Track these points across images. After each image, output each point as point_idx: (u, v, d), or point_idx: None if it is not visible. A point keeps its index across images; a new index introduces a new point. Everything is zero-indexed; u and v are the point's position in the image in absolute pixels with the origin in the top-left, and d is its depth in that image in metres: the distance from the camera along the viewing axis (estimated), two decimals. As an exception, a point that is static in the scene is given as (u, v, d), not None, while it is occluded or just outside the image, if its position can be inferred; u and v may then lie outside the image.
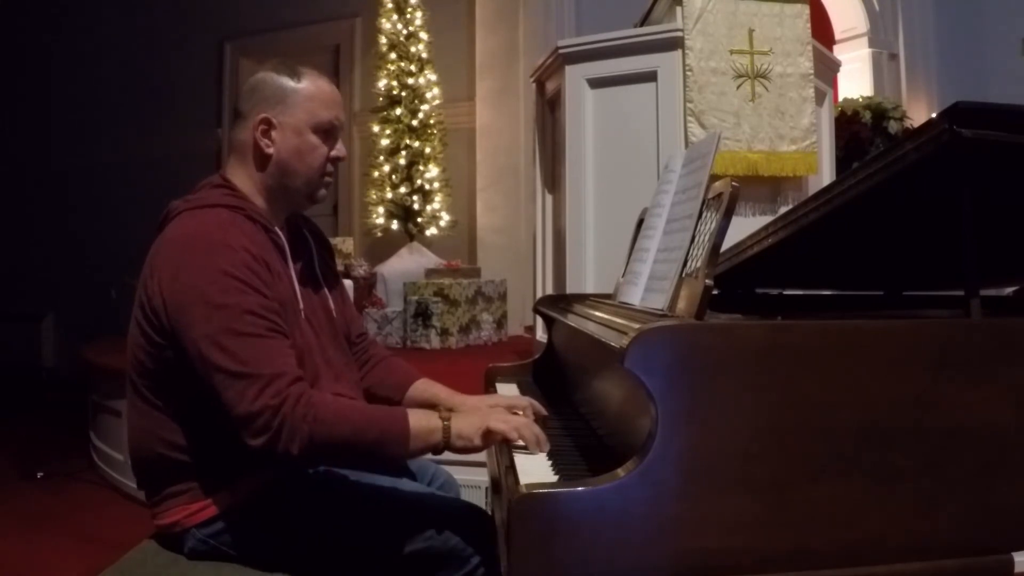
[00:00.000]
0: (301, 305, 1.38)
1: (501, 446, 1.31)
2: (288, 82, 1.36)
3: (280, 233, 1.39)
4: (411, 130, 5.37)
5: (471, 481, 2.38)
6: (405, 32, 5.47)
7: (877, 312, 1.62)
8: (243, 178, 1.38)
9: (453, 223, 5.49)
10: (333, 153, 1.40)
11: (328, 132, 1.39)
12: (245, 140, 1.37)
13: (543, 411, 1.45)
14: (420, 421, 1.25)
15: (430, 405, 1.52)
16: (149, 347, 1.26)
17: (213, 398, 1.19)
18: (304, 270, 1.45)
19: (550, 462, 1.23)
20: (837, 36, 6.16)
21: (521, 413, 1.39)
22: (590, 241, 2.89)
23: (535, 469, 1.18)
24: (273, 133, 1.36)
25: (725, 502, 0.98)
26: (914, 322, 1.13)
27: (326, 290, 1.51)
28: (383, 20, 5.52)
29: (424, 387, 1.60)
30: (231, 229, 1.27)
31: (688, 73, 2.72)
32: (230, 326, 1.19)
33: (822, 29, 5.37)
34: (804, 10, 2.85)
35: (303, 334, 1.36)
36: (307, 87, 1.37)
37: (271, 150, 1.36)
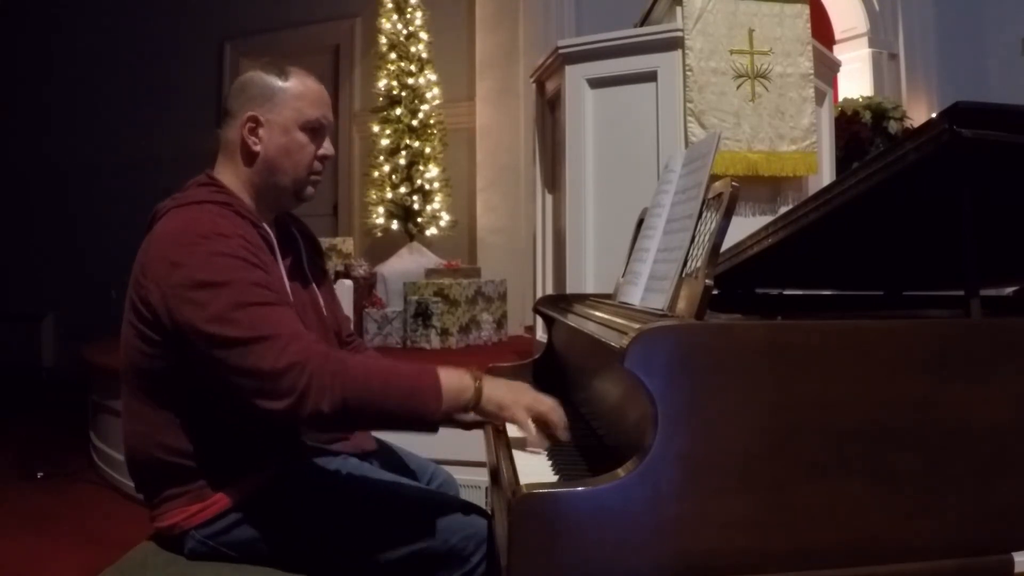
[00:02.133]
0: (291, 299, 1.38)
1: (500, 441, 1.31)
2: (276, 81, 1.37)
3: (268, 229, 1.39)
4: (411, 130, 5.37)
5: (471, 481, 2.38)
6: (405, 32, 5.47)
7: (877, 312, 1.62)
8: (230, 176, 1.39)
9: (453, 223, 5.49)
10: (320, 151, 1.40)
11: (315, 130, 1.39)
12: (233, 138, 1.38)
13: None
14: (452, 378, 1.23)
15: None
16: (145, 346, 1.26)
17: (229, 379, 1.17)
18: (293, 266, 1.45)
19: (550, 462, 1.23)
20: (837, 36, 6.16)
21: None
22: (590, 241, 2.89)
23: (535, 469, 1.18)
24: (261, 131, 1.36)
25: (725, 502, 0.98)
26: (914, 322, 1.13)
27: (315, 288, 1.51)
28: (383, 20, 5.52)
29: None
30: (221, 220, 1.28)
31: (688, 73, 2.72)
32: (237, 300, 1.18)
33: (822, 29, 5.37)
34: (804, 10, 2.85)
35: None
36: (294, 86, 1.38)
37: (258, 148, 1.37)
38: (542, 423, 1.26)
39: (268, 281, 1.24)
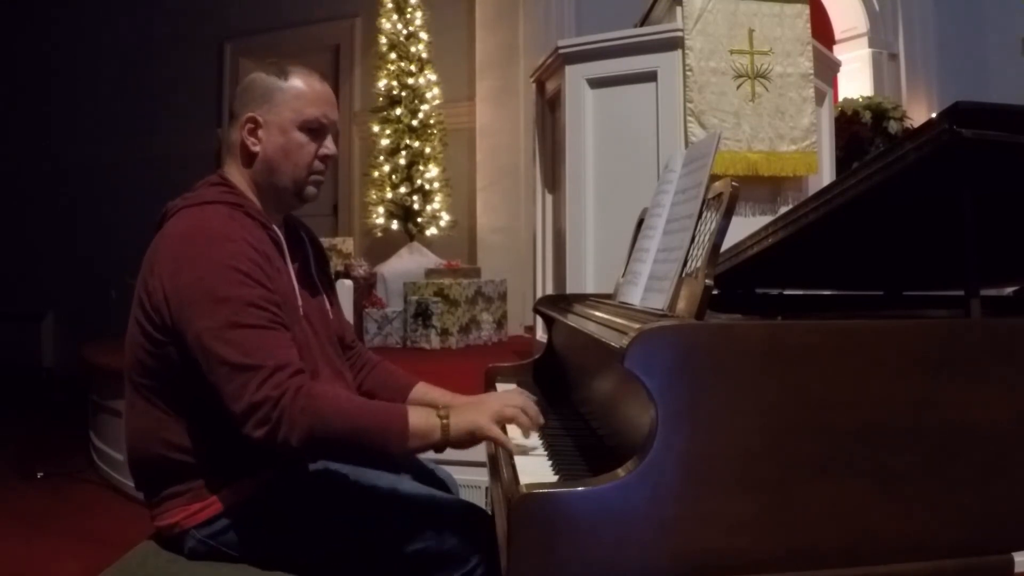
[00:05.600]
0: (300, 302, 1.38)
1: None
2: (275, 81, 1.37)
3: (277, 231, 1.39)
4: (411, 130, 5.37)
5: (471, 481, 2.38)
6: (405, 32, 5.47)
7: (877, 312, 1.62)
8: (237, 177, 1.39)
9: (453, 223, 5.49)
10: (322, 151, 1.40)
11: (316, 130, 1.38)
12: (234, 140, 1.39)
13: (532, 398, 1.52)
14: (419, 419, 1.23)
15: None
16: (150, 345, 1.26)
17: (215, 393, 1.19)
18: (301, 270, 1.46)
19: (550, 462, 1.23)
20: (837, 36, 6.16)
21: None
22: (590, 241, 2.89)
23: (535, 469, 1.18)
24: (260, 132, 1.37)
25: (725, 502, 0.98)
26: (914, 322, 1.13)
27: (322, 292, 1.52)
28: (383, 20, 5.52)
29: (424, 391, 1.60)
30: (230, 223, 1.28)
31: (688, 73, 2.72)
32: (233, 319, 1.19)
33: (822, 29, 5.37)
34: (804, 10, 2.85)
35: (302, 331, 1.36)
36: (294, 85, 1.37)
37: (257, 148, 1.37)
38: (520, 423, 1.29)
39: (267, 298, 1.24)
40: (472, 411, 1.28)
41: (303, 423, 1.16)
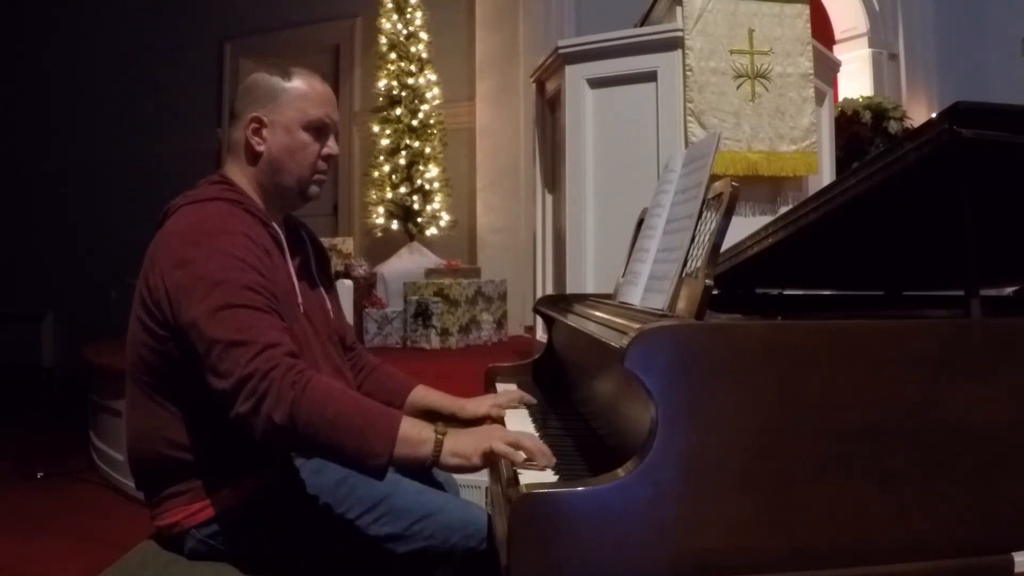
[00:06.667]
0: (299, 299, 1.38)
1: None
2: (279, 82, 1.39)
3: (278, 228, 1.40)
4: (411, 130, 5.37)
5: (471, 481, 2.37)
6: (405, 32, 5.48)
7: (877, 312, 1.62)
8: (239, 176, 1.40)
9: (453, 223, 5.49)
10: (325, 151, 1.41)
11: (319, 130, 1.40)
12: (238, 139, 1.39)
13: (532, 400, 1.56)
14: (413, 428, 1.16)
15: (430, 411, 1.56)
16: (152, 342, 1.27)
17: (209, 383, 1.18)
18: (301, 267, 1.46)
19: (550, 462, 1.22)
20: (837, 36, 6.17)
21: (517, 405, 1.51)
22: (590, 241, 2.89)
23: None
24: (264, 131, 1.37)
25: (725, 502, 0.98)
26: (914, 322, 1.13)
27: (323, 291, 1.52)
28: (383, 20, 5.53)
29: (423, 393, 1.60)
30: (230, 219, 1.29)
31: (688, 73, 2.72)
32: (227, 300, 1.19)
33: (822, 29, 5.37)
34: (804, 10, 2.86)
35: (302, 328, 1.36)
36: (297, 86, 1.39)
37: (262, 148, 1.38)
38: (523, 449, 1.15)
39: (262, 284, 1.24)
40: (474, 436, 1.20)
41: (289, 399, 1.12)
